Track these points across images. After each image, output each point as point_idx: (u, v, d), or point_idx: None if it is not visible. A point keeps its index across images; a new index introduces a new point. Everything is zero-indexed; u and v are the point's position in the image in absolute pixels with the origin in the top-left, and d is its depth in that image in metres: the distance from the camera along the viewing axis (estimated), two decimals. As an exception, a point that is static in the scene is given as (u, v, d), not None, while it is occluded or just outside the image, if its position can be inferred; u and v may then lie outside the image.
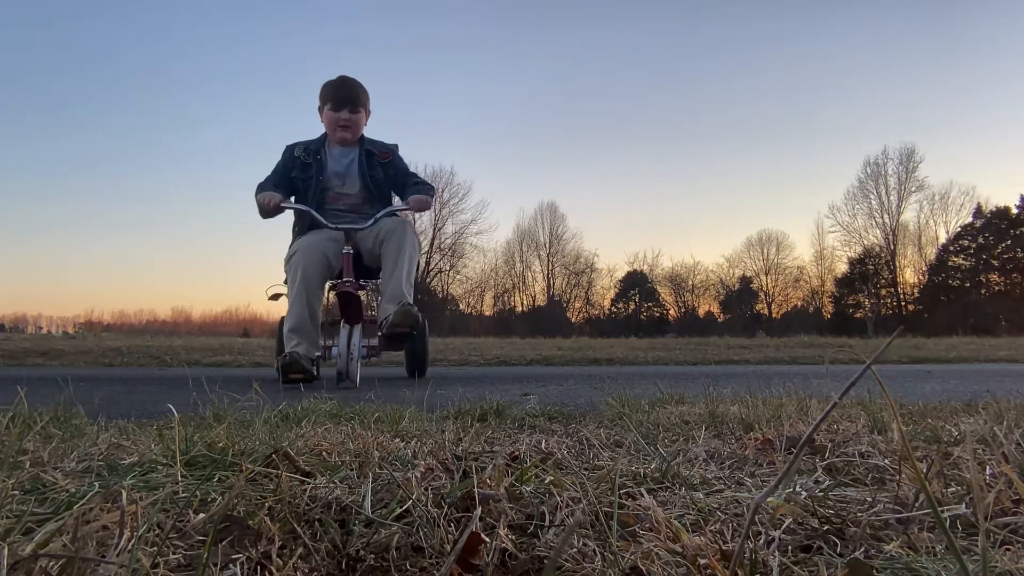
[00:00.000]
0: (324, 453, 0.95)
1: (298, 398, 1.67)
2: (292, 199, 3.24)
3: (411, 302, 2.97)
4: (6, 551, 0.50)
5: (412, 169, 3.46)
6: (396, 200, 3.40)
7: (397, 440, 1.12)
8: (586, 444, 1.15)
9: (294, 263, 3.03)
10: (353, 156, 3.30)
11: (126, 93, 47.05)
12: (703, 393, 1.76)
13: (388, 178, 3.33)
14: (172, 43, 45.58)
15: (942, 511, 0.66)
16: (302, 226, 3.27)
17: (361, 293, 3.15)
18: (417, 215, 3.53)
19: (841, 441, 1.05)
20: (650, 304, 36.35)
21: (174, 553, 0.56)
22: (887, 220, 33.09)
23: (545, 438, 1.21)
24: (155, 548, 0.54)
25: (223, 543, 0.57)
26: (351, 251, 3.03)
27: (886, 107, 43.64)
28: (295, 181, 3.26)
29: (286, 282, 3.30)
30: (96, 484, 0.72)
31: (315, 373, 2.87)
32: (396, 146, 3.46)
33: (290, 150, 3.31)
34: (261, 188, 3.17)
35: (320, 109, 3.31)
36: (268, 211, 3.07)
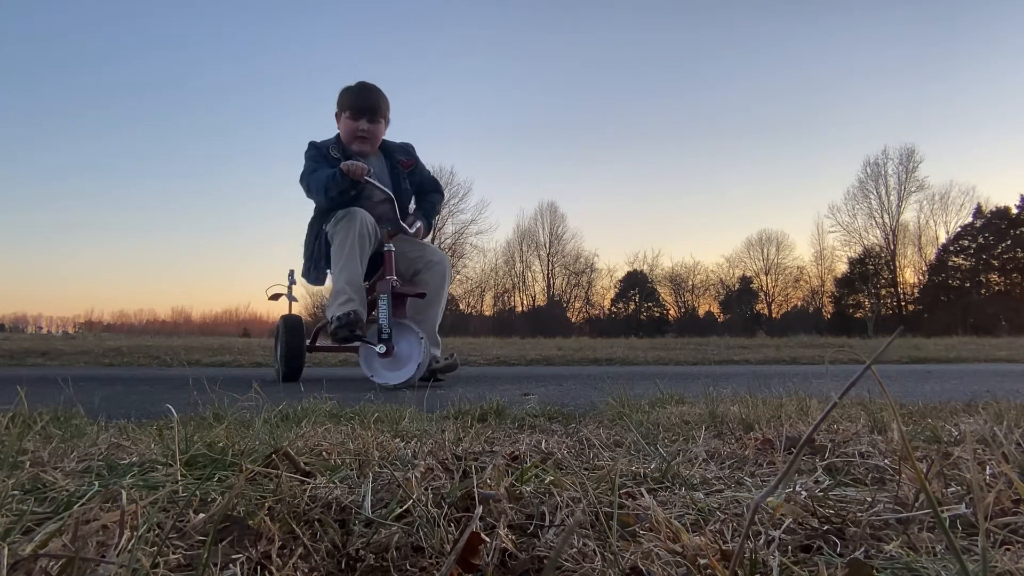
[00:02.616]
0: (324, 453, 0.95)
1: (298, 398, 1.67)
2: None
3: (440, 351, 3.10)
4: (6, 551, 0.50)
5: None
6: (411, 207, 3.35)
7: (397, 440, 1.12)
8: (586, 444, 1.15)
9: (347, 220, 2.88)
10: (385, 168, 3.20)
11: (127, 95, 47.11)
12: (703, 393, 1.75)
13: (412, 186, 3.29)
14: (173, 46, 45.63)
15: (942, 511, 0.66)
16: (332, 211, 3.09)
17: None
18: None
19: (841, 441, 1.05)
20: (650, 304, 36.33)
21: (174, 553, 0.56)
22: (887, 220, 33.10)
23: (545, 438, 1.21)
24: (155, 548, 0.54)
25: (223, 543, 0.57)
26: (392, 249, 2.96)
27: (886, 107, 43.61)
28: None
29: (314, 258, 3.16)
30: (96, 484, 0.72)
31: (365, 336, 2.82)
32: (412, 146, 3.37)
33: (320, 149, 3.10)
34: (315, 176, 2.97)
35: (337, 115, 3.16)
36: (351, 181, 2.86)
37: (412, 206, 3.37)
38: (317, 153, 3.09)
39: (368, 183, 2.94)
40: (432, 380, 2.96)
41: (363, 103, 3.08)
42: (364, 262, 2.91)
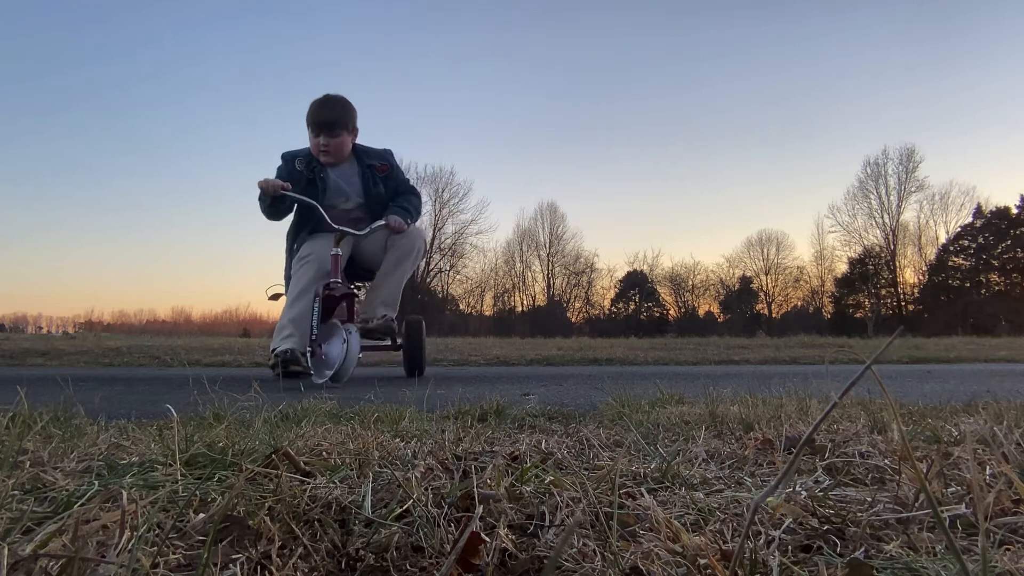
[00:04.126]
0: (324, 453, 0.95)
1: (298, 398, 1.67)
2: (294, 205, 3.26)
3: (394, 316, 3.21)
4: (6, 551, 0.50)
5: (412, 169, 3.52)
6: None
7: (397, 440, 1.12)
8: (586, 444, 1.15)
9: (308, 261, 3.10)
10: (355, 173, 3.33)
11: (126, 93, 47.05)
12: (703, 393, 1.75)
13: (388, 190, 3.40)
14: (173, 45, 45.60)
15: (942, 511, 0.66)
16: (302, 226, 3.31)
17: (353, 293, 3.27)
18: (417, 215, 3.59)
19: (841, 441, 1.05)
20: (650, 304, 36.32)
21: (174, 553, 0.56)
22: (887, 220, 33.10)
23: (545, 438, 1.21)
24: (155, 548, 0.54)
25: (223, 543, 0.57)
26: (339, 252, 3.11)
27: (886, 107, 43.65)
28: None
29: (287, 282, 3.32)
30: (96, 484, 0.72)
31: (309, 370, 2.98)
32: (391, 152, 3.50)
33: (289, 161, 3.28)
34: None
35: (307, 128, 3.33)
36: (270, 196, 3.06)
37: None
38: (283, 167, 3.28)
39: (287, 195, 3.09)
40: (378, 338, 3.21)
41: (321, 119, 3.20)
42: (316, 299, 3.04)
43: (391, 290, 3.20)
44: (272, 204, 3.11)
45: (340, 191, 3.31)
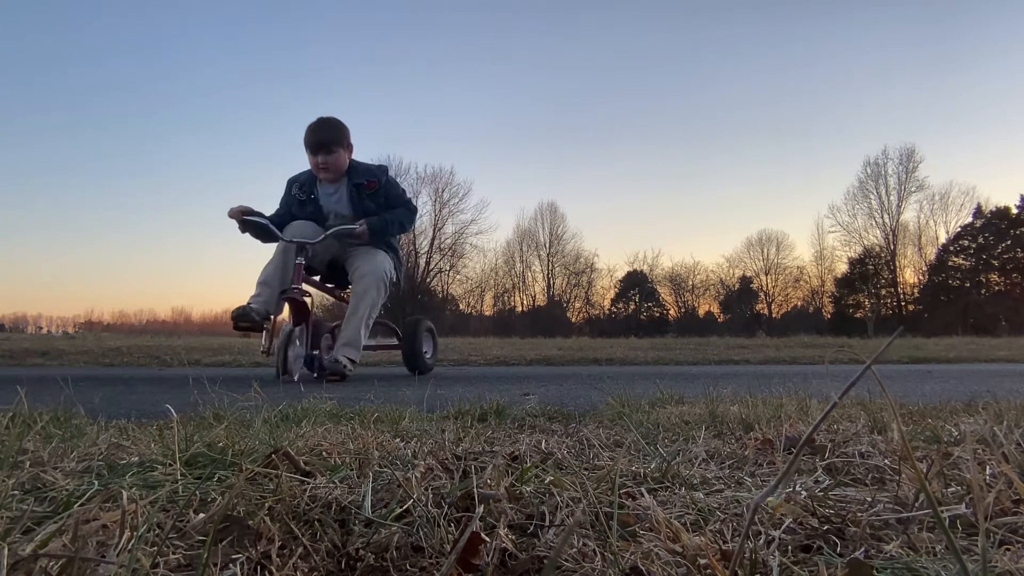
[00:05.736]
0: (324, 453, 0.95)
1: (298, 398, 1.67)
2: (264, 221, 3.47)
3: (347, 362, 3.22)
4: (6, 551, 0.50)
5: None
6: None
7: (397, 440, 1.12)
8: (586, 444, 1.15)
9: (275, 251, 3.36)
10: (342, 192, 3.55)
11: (127, 93, 47.06)
12: (703, 393, 1.75)
13: (378, 206, 3.56)
14: (174, 45, 45.59)
15: (942, 511, 0.66)
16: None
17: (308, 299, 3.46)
18: (416, 216, 3.83)
19: (841, 441, 1.05)
20: (650, 304, 36.31)
21: (174, 553, 0.56)
22: (887, 220, 33.09)
23: (545, 438, 1.21)
24: (155, 548, 0.54)
25: (223, 543, 0.57)
26: (303, 262, 3.27)
27: (886, 107, 43.69)
28: (295, 218, 3.51)
29: None
30: (96, 484, 0.72)
31: (263, 326, 3.18)
32: (384, 169, 3.65)
33: (290, 186, 3.60)
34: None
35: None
36: (234, 218, 3.33)
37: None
38: (285, 192, 3.63)
39: (248, 219, 3.32)
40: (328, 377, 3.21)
41: (316, 139, 3.41)
42: (289, 268, 3.26)
43: (351, 332, 3.34)
44: (244, 228, 3.35)
45: (330, 209, 3.56)
